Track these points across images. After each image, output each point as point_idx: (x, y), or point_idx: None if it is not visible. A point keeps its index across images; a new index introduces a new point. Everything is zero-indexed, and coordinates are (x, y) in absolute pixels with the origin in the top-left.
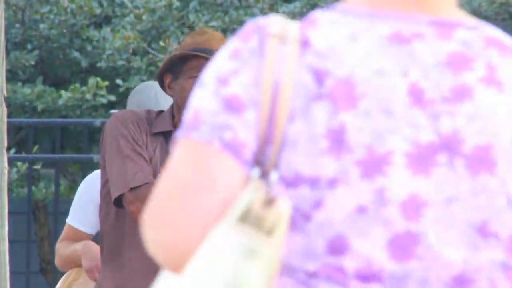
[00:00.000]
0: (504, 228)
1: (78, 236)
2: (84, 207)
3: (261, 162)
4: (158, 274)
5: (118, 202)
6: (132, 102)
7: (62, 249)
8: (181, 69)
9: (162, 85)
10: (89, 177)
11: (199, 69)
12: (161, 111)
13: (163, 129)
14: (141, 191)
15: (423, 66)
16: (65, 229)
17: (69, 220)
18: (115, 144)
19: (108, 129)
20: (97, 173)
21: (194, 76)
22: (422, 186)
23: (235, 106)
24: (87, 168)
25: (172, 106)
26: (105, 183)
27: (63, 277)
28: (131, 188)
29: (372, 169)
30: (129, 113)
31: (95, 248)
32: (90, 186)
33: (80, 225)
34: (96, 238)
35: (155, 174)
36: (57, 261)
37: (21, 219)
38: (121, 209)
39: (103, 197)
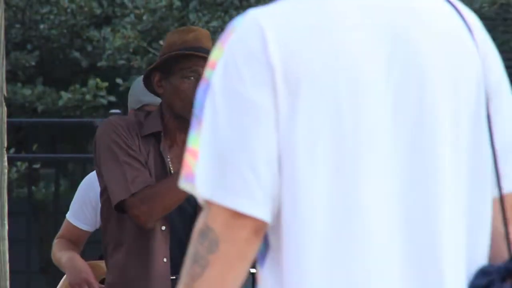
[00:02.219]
0: None
1: (75, 232)
2: (82, 205)
3: None
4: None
5: (119, 207)
6: (133, 93)
7: (55, 248)
8: (172, 68)
9: (148, 82)
10: (89, 176)
11: (192, 69)
12: (149, 112)
13: (153, 130)
14: (143, 194)
15: None
16: (64, 224)
17: (68, 216)
18: (109, 151)
19: (99, 137)
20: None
21: (188, 76)
22: None
23: None
24: (87, 168)
25: (161, 105)
26: (104, 190)
27: (63, 278)
28: (133, 193)
29: None
30: (118, 120)
31: (79, 264)
32: (88, 185)
33: (78, 222)
34: (94, 235)
35: (151, 176)
36: (53, 258)
37: (21, 219)
38: (122, 214)
39: (103, 203)
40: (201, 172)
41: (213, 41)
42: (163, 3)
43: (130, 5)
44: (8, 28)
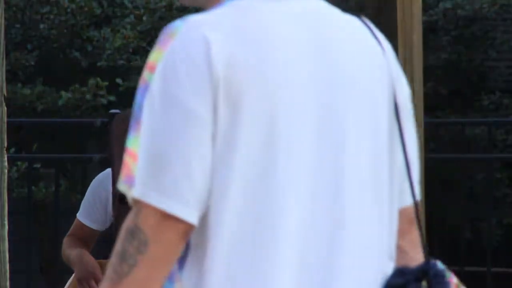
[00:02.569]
0: None
1: (85, 231)
2: (92, 205)
3: None
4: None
5: (122, 199)
6: None
7: (65, 245)
8: None
9: None
10: (99, 176)
11: None
12: None
13: None
14: None
15: None
16: (74, 222)
17: (78, 215)
18: (117, 145)
19: (111, 130)
20: (106, 172)
21: None
22: None
23: None
24: (87, 168)
25: None
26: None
27: (72, 276)
28: None
29: None
30: (130, 114)
31: (87, 259)
32: (98, 184)
33: (88, 221)
34: (103, 234)
35: None
36: (62, 256)
37: (21, 219)
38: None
39: (113, 198)
40: (137, 173)
41: None
42: (163, 3)
43: (130, 5)
44: (8, 28)
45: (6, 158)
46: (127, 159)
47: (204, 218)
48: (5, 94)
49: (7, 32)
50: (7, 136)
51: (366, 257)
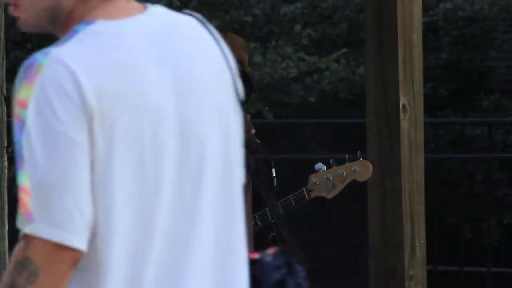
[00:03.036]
0: None
1: None
2: None
3: None
4: None
5: None
6: None
7: None
8: None
9: None
10: None
11: None
12: None
13: None
14: None
15: None
16: None
17: None
18: None
19: None
20: None
21: None
22: None
23: None
24: None
25: None
26: None
27: None
28: None
29: None
30: None
31: None
32: None
33: None
34: None
35: None
36: None
37: None
38: None
39: None
40: (32, 208)
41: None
42: (163, 2)
43: None
44: (8, 27)
45: (6, 158)
46: (22, 196)
47: (90, 243)
48: (5, 94)
49: (7, 32)
50: (7, 135)
51: (212, 252)
